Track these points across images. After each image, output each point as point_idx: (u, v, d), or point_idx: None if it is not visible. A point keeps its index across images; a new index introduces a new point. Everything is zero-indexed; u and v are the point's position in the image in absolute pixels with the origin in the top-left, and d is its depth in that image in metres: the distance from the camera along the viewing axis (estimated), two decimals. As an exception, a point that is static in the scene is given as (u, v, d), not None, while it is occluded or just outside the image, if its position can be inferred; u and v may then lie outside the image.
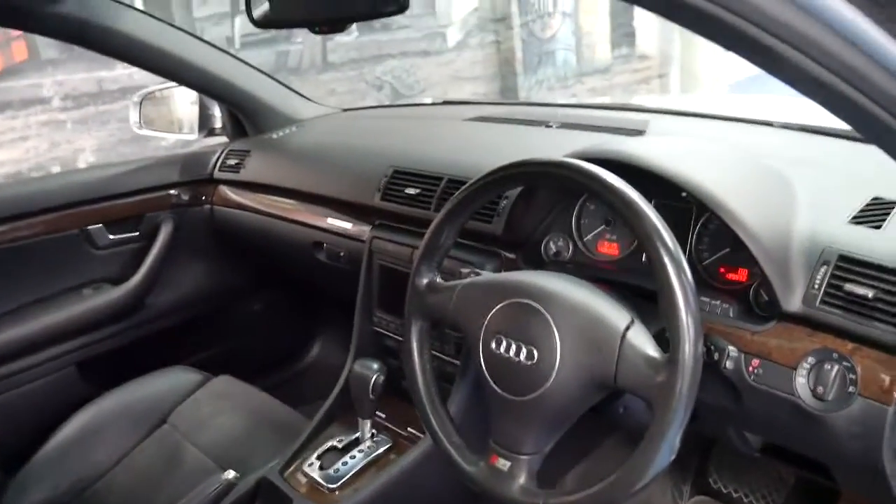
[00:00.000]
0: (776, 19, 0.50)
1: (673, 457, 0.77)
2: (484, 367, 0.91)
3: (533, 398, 0.86)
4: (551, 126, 1.51)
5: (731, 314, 0.96)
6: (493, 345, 0.89)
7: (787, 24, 0.50)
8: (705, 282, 1.03)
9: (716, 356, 0.90)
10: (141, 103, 2.05)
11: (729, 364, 0.90)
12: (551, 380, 0.84)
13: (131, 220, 1.84)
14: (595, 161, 0.94)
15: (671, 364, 0.75)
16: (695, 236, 1.05)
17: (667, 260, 0.76)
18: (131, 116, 2.06)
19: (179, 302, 1.95)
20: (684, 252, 1.04)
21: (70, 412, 1.58)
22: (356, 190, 1.51)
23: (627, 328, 0.81)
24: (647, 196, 1.05)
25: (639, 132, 1.36)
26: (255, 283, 2.12)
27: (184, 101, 2.03)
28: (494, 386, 0.90)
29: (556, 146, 1.35)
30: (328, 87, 5.49)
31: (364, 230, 1.48)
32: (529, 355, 0.86)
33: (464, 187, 0.98)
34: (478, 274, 1.03)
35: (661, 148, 1.10)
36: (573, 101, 6.37)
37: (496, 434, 0.92)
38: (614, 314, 0.83)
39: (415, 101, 5.67)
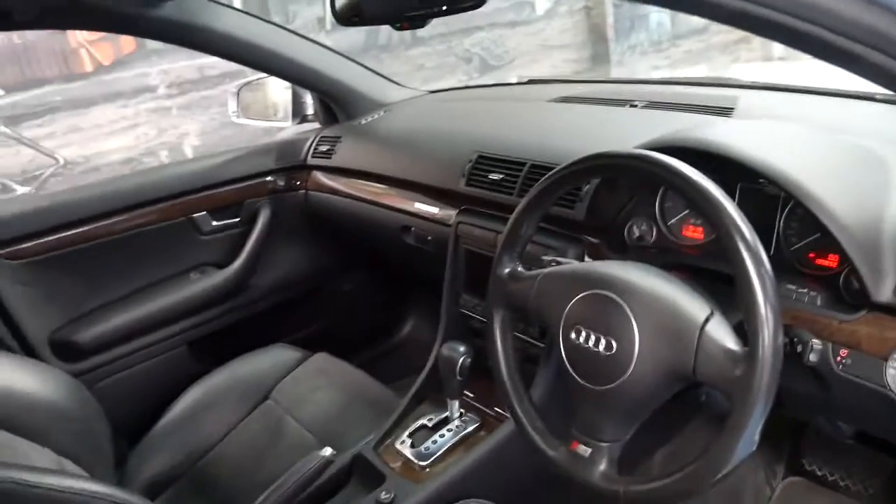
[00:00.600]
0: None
1: (753, 449, 0.77)
2: (564, 357, 0.93)
3: (612, 388, 0.87)
4: (636, 105, 1.48)
5: (819, 302, 0.93)
6: (573, 335, 0.91)
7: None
8: (793, 267, 1.00)
9: (799, 349, 0.89)
10: (238, 93, 2.15)
11: (813, 357, 0.88)
12: (630, 371, 0.85)
13: (232, 206, 1.95)
14: (676, 150, 0.94)
15: (750, 358, 0.75)
16: (783, 221, 1.03)
17: (744, 252, 0.76)
18: (230, 106, 2.16)
19: (278, 283, 2.05)
20: (771, 237, 1.03)
21: (183, 388, 1.70)
22: (442, 175, 1.54)
23: (707, 320, 0.81)
24: (733, 180, 1.04)
25: (727, 110, 1.32)
26: (347, 264, 2.20)
27: (279, 88, 2.11)
28: (575, 375, 0.92)
29: (640, 128, 1.34)
30: (417, 63, 5.54)
31: (450, 214, 1.51)
32: (608, 346, 0.87)
33: (542, 180, 0.99)
34: (558, 263, 1.05)
35: (745, 133, 1.07)
36: (667, 63, 6.15)
37: (577, 421, 0.94)
38: (694, 306, 0.83)
39: (504, 72, 5.62)
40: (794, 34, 0.54)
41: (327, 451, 1.28)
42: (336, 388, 1.65)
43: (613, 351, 0.86)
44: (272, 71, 1.88)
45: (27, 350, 1.70)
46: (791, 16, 0.52)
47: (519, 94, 1.85)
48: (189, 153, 4.54)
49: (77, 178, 4.33)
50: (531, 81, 1.97)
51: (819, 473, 1.45)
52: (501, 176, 1.39)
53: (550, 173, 0.98)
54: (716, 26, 6.67)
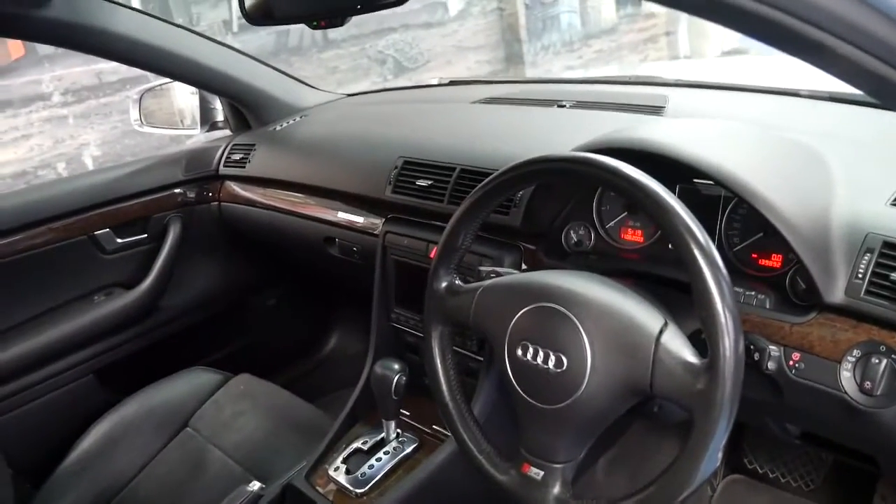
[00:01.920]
0: None
1: (717, 465, 0.73)
2: (511, 375, 0.87)
3: (564, 407, 0.82)
4: (564, 105, 1.45)
5: (768, 305, 0.91)
6: (520, 352, 0.85)
7: None
8: (737, 270, 0.98)
9: (756, 356, 0.86)
10: (140, 100, 2.01)
11: (771, 364, 0.85)
12: (583, 388, 0.80)
13: (139, 222, 1.81)
14: (615, 151, 0.89)
15: (711, 370, 0.71)
16: (724, 221, 1.00)
17: (700, 258, 0.71)
18: (131, 114, 2.02)
19: (193, 302, 1.92)
20: (713, 239, 1.00)
21: (91, 421, 1.57)
22: (366, 183, 1.46)
23: (661, 331, 0.77)
24: (671, 181, 1.01)
25: (657, 108, 1.30)
26: (268, 278, 2.09)
27: (185, 94, 1.98)
28: (523, 394, 0.86)
29: (570, 129, 1.30)
30: (330, 65, 5.41)
31: (377, 224, 1.44)
32: (558, 363, 0.81)
33: (478, 187, 0.93)
34: (498, 274, 0.99)
35: (683, 131, 1.05)
36: (580, 63, 6.25)
37: (527, 442, 0.88)
38: (647, 317, 0.79)
39: (419, 74, 5.57)
40: (758, 21, 0.49)
41: (255, 486, 1.19)
42: (261, 412, 1.55)
43: (564, 368, 0.81)
44: (176, 75, 1.76)
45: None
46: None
47: (440, 96, 1.80)
48: (90, 165, 4.26)
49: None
50: (452, 82, 1.91)
51: (760, 470, 1.46)
52: (430, 182, 1.32)
53: (487, 180, 0.92)
54: (625, 26, 6.84)
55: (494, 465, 0.91)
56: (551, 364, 0.82)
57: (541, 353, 0.83)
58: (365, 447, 1.30)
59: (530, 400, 0.85)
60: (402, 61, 5.72)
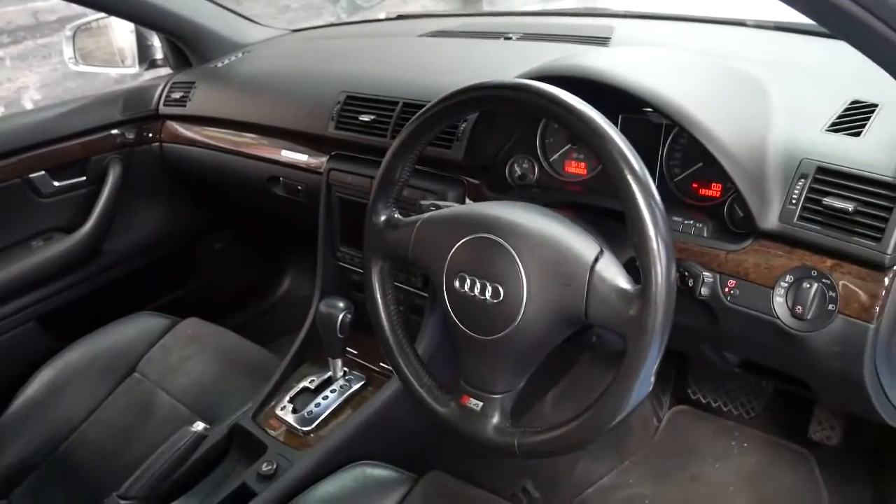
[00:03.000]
0: None
1: (649, 389, 0.74)
2: (449, 307, 0.87)
3: (501, 337, 0.81)
4: (511, 38, 1.41)
5: (706, 233, 0.91)
6: (457, 283, 0.84)
7: None
8: (677, 199, 0.98)
9: (690, 283, 0.86)
10: (74, 37, 1.91)
11: (704, 291, 0.86)
12: (519, 318, 0.79)
13: (76, 164, 1.74)
14: (555, 79, 0.87)
15: (643, 296, 0.70)
16: (665, 151, 0.99)
17: (634, 185, 0.71)
18: (65, 52, 1.93)
19: (138, 246, 1.87)
20: (654, 169, 1.00)
21: (34, 368, 1.53)
22: (309, 119, 1.42)
23: (596, 260, 0.76)
24: (614, 111, 1.00)
25: (603, 39, 1.28)
26: (215, 220, 2.04)
27: (123, 30, 1.89)
28: (461, 326, 0.86)
29: (515, 61, 1.27)
30: (281, 4, 5.23)
31: (321, 161, 1.41)
32: (495, 293, 0.81)
33: (414, 117, 0.90)
34: (438, 207, 0.97)
35: (625, 60, 1.03)
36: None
37: (466, 374, 0.88)
38: (582, 245, 0.78)
39: (374, 12, 5.42)
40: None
41: (199, 426, 1.17)
42: (209, 355, 1.53)
43: (501, 298, 0.80)
44: (111, 9, 1.67)
45: None
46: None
47: (388, 31, 1.75)
48: (29, 106, 4.09)
49: None
50: (400, 17, 1.86)
51: (704, 400, 1.49)
52: (372, 117, 1.29)
53: (423, 110, 0.89)
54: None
55: (435, 397, 0.91)
56: (488, 295, 0.81)
57: (478, 284, 0.82)
58: (312, 386, 1.30)
59: (468, 331, 0.85)
60: (356, 0, 5.55)
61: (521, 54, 1.32)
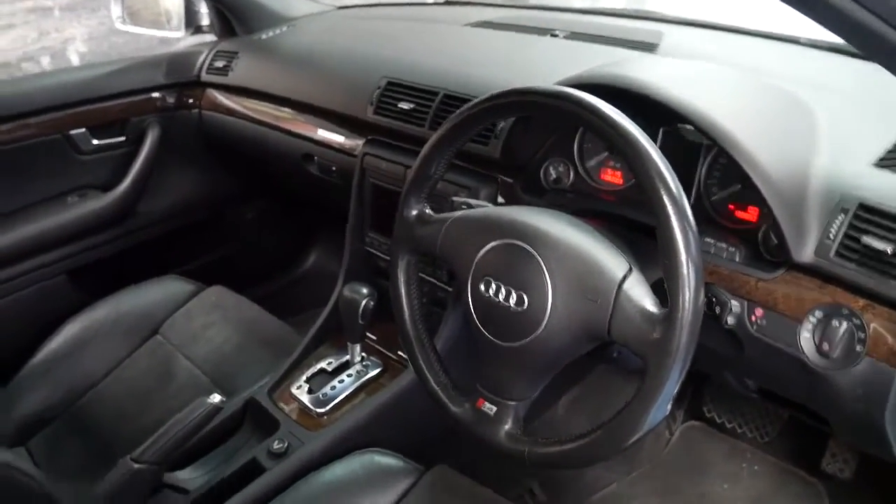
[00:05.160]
0: None
1: (666, 414, 0.73)
2: (472, 309, 0.87)
3: (521, 345, 0.81)
4: (558, 35, 1.39)
5: (737, 258, 0.90)
6: (482, 287, 0.84)
7: None
8: (712, 219, 0.96)
9: (717, 310, 0.85)
10: (122, -3, 1.93)
11: (731, 320, 0.84)
12: (541, 328, 0.79)
13: (116, 124, 1.76)
14: (596, 87, 0.86)
15: (668, 320, 0.70)
16: (705, 169, 0.98)
17: (669, 206, 0.69)
18: (113, 10, 1.94)
19: (170, 209, 1.90)
20: (692, 186, 0.98)
21: (61, 321, 1.56)
22: (348, 101, 1.42)
23: (625, 278, 0.76)
24: (655, 123, 0.98)
25: (651, 45, 1.26)
26: (249, 191, 2.06)
27: (171, -7, 1.90)
28: (482, 329, 0.86)
29: (560, 61, 1.26)
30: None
31: (357, 144, 1.40)
32: (520, 301, 0.80)
33: (452, 116, 0.90)
34: (469, 206, 0.97)
35: (670, 72, 1.01)
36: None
37: (483, 377, 0.88)
38: (612, 261, 0.77)
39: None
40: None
41: (216, 398, 1.19)
42: (231, 325, 1.55)
43: (525, 306, 0.80)
44: (159, -28, 1.68)
45: None
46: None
47: (434, 16, 1.73)
48: (75, 61, 4.12)
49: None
50: (448, 2, 1.84)
51: (718, 420, 1.48)
52: (412, 105, 1.28)
53: (462, 109, 0.89)
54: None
55: (450, 396, 0.92)
56: (512, 302, 0.81)
57: (503, 290, 0.82)
58: (329, 368, 1.31)
59: (489, 336, 0.85)
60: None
61: (567, 54, 1.30)
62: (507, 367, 0.85)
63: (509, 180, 1.15)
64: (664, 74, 0.97)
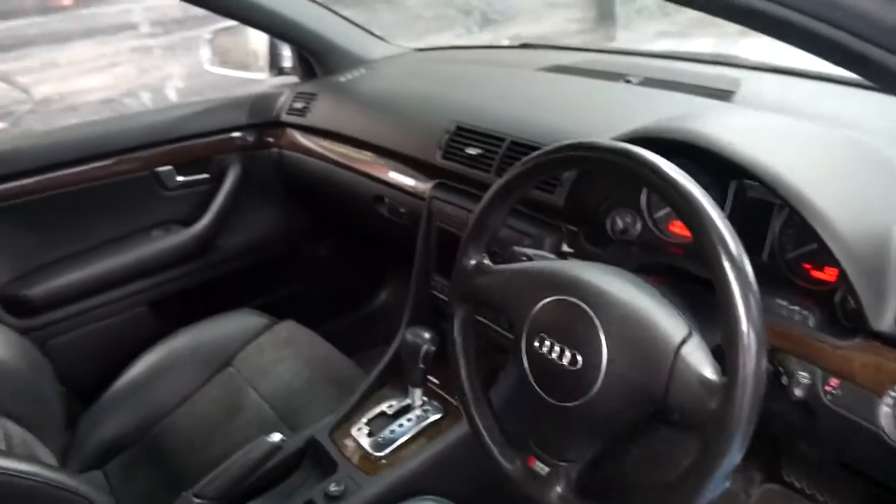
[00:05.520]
0: None
1: (724, 487, 0.69)
2: (526, 365, 0.85)
3: (574, 406, 0.79)
4: (631, 81, 1.37)
5: (811, 322, 0.84)
6: (537, 343, 0.82)
7: None
8: (786, 279, 0.91)
9: (784, 380, 0.80)
10: (213, 39, 2.03)
11: (799, 392, 0.79)
12: (595, 390, 0.77)
13: (200, 162, 1.84)
14: (662, 141, 0.84)
15: (727, 390, 0.66)
16: (779, 225, 0.93)
17: (730, 272, 0.66)
18: (202, 53, 2.04)
19: (247, 244, 1.96)
20: (764, 242, 0.94)
21: (141, 349, 1.62)
22: (418, 145, 1.43)
23: (684, 342, 0.72)
24: (726, 178, 0.95)
25: (726, 93, 1.22)
26: (323, 228, 2.11)
27: (258, 35, 1.98)
28: (536, 386, 0.84)
29: (631, 109, 1.24)
30: (414, 13, 5.32)
31: (426, 187, 1.42)
32: (573, 360, 0.78)
33: (511, 168, 0.89)
34: (528, 258, 0.96)
35: (739, 125, 0.97)
36: (675, 28, 5.94)
37: (536, 435, 0.86)
38: (670, 324, 0.74)
39: (505, 28, 5.43)
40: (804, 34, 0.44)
41: (276, 437, 1.21)
42: (301, 361, 1.58)
43: (579, 366, 0.78)
44: (244, 19, 1.76)
45: (-25, 305, 1.61)
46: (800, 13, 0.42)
47: (508, 60, 1.74)
48: (173, 96, 4.38)
49: (53, 115, 4.18)
50: (524, 46, 1.85)
51: (797, 485, 1.39)
52: (479, 151, 1.28)
53: (522, 161, 0.88)
54: (727, -7, 6.41)
55: (502, 451, 0.90)
56: (566, 361, 0.79)
57: (556, 348, 0.80)
58: (390, 411, 1.30)
59: (542, 393, 0.83)
60: (489, 13, 5.56)
61: (638, 102, 1.28)
62: (559, 426, 0.83)
63: (574, 229, 1.13)
64: (733, 127, 0.94)
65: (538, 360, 0.83)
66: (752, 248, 0.93)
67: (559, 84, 1.45)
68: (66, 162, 1.66)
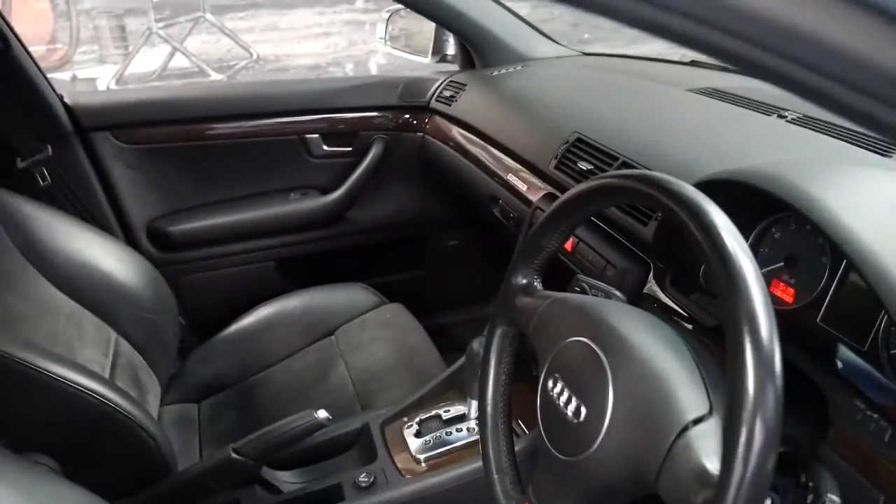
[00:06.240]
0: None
1: None
2: (538, 405, 0.77)
3: (572, 461, 0.70)
4: (786, 117, 1.20)
5: (887, 437, 0.69)
6: (550, 383, 0.75)
7: None
8: (879, 379, 0.75)
9: (810, 498, 0.66)
10: (388, 20, 2.07)
11: None
12: (591, 450, 0.67)
13: (347, 135, 1.90)
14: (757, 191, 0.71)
15: (719, 487, 0.55)
16: (888, 317, 0.77)
17: (750, 355, 0.54)
18: (378, 31, 2.10)
19: (377, 222, 1.99)
20: (871, 329, 0.78)
21: (259, 301, 1.71)
22: (537, 150, 1.37)
23: (697, 421, 0.61)
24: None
25: (893, 148, 1.03)
26: (455, 218, 2.09)
27: (427, 22, 2.00)
28: (542, 428, 0.76)
29: (766, 147, 1.09)
30: (598, 21, 5.09)
31: (536, 196, 1.35)
32: (577, 412, 0.70)
33: (572, 189, 0.81)
34: (582, 289, 0.87)
35: (871, 195, 0.81)
36: None
37: (535, 481, 0.78)
38: (690, 397, 0.63)
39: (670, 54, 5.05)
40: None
41: (322, 414, 1.22)
42: (392, 345, 1.59)
43: (581, 419, 0.69)
44: (412, 5, 1.77)
45: (126, 232, 1.78)
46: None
47: (670, 75, 1.60)
48: (374, 70, 4.59)
49: (266, 74, 4.55)
50: (693, 63, 1.69)
51: None
52: (590, 167, 1.19)
53: (582, 184, 0.80)
54: None
55: (504, 488, 0.83)
56: (570, 410, 0.71)
57: (565, 394, 0.72)
58: (445, 416, 1.26)
59: (545, 438, 0.75)
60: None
61: (781, 141, 1.11)
62: (555, 479, 0.74)
63: (662, 266, 1.02)
64: (852, 195, 0.78)
65: (547, 401, 0.75)
66: (854, 333, 0.78)
67: (703, 109, 1.31)
68: (227, 116, 1.78)
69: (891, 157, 1.01)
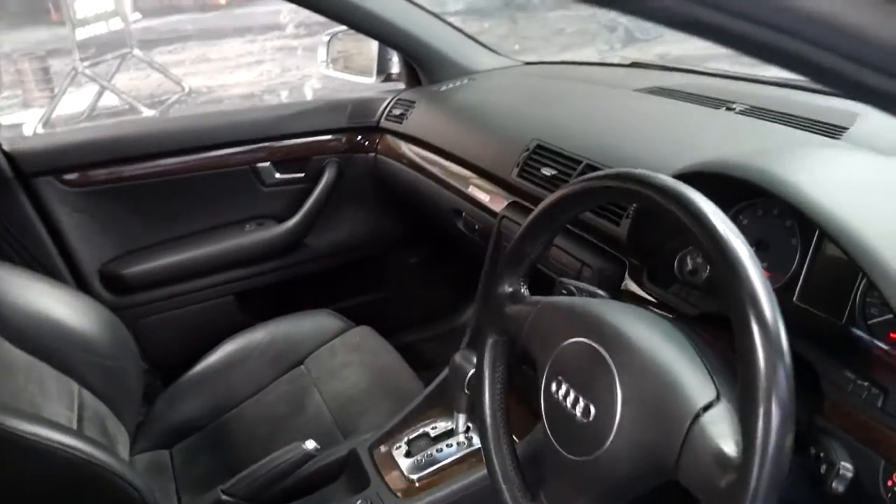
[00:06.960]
0: None
1: None
2: (543, 408, 0.78)
3: (583, 461, 0.71)
4: (734, 109, 1.25)
5: (880, 403, 0.71)
6: (554, 387, 0.75)
7: None
8: (863, 348, 0.78)
9: (823, 468, 0.68)
10: (329, 42, 2.07)
11: (838, 485, 0.67)
12: (604, 448, 0.68)
13: (298, 161, 1.88)
14: (726, 179, 0.74)
15: (740, 470, 0.56)
16: (863, 285, 0.80)
17: (758, 336, 0.56)
18: (319, 54, 2.09)
19: (336, 246, 1.98)
20: (846, 303, 0.81)
21: (223, 337, 1.67)
22: (497, 160, 1.38)
23: (707, 407, 0.63)
24: (811, 228, 0.83)
25: (838, 130, 1.07)
26: (413, 236, 2.09)
27: (371, 41, 2.00)
28: (548, 431, 0.76)
29: (724, 138, 1.13)
30: (556, 27, 5.23)
31: (500, 206, 1.36)
32: (586, 412, 0.70)
33: (553, 195, 0.82)
34: (569, 291, 0.88)
35: (827, 173, 0.84)
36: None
37: (545, 485, 0.78)
38: (696, 385, 0.65)
39: (650, 46, 5.23)
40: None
41: (310, 445, 1.20)
42: (366, 369, 1.57)
43: (590, 419, 0.70)
44: (355, 25, 1.77)
45: (77, 278, 1.72)
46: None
47: (611, 78, 1.64)
48: (309, 95, 4.57)
49: (199, 107, 4.48)
50: (634, 64, 1.74)
51: None
52: (554, 172, 1.21)
53: (563, 188, 0.81)
54: None
55: (512, 495, 0.83)
56: (579, 411, 0.71)
57: (571, 396, 0.73)
58: (433, 433, 1.26)
59: (553, 441, 0.75)
60: (633, 31, 5.35)
61: (734, 132, 1.15)
62: (570, 482, 0.75)
63: (637, 263, 1.04)
64: (818, 175, 0.81)
65: (552, 405, 0.75)
66: (831, 308, 0.82)
67: (652, 107, 1.35)
68: (172, 151, 1.74)
69: (839, 138, 1.06)
